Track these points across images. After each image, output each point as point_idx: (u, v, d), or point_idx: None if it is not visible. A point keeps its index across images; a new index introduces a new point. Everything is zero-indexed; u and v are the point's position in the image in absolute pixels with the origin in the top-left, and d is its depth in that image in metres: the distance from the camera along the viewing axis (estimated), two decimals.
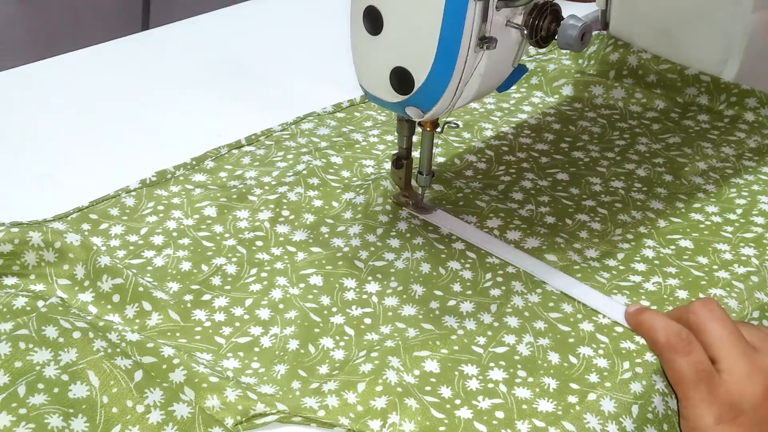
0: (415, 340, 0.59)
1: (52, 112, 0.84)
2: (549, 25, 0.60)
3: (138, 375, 0.53)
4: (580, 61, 0.92)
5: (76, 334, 0.54)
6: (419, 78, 0.59)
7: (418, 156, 0.70)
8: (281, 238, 0.68)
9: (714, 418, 0.51)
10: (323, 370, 0.57)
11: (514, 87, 0.83)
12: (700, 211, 0.73)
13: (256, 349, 0.59)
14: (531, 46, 0.61)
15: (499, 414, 0.54)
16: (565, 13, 0.61)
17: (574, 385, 0.56)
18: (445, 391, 0.55)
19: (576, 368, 0.57)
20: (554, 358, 0.58)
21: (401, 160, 0.69)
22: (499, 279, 0.64)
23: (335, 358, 0.58)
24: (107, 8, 2.11)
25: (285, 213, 0.70)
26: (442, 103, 0.61)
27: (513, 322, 0.60)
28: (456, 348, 0.58)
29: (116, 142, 0.80)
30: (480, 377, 0.56)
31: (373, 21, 0.60)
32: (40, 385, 0.52)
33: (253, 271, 0.65)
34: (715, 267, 0.66)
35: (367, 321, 0.61)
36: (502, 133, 0.82)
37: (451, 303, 0.62)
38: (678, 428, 0.54)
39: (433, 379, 0.56)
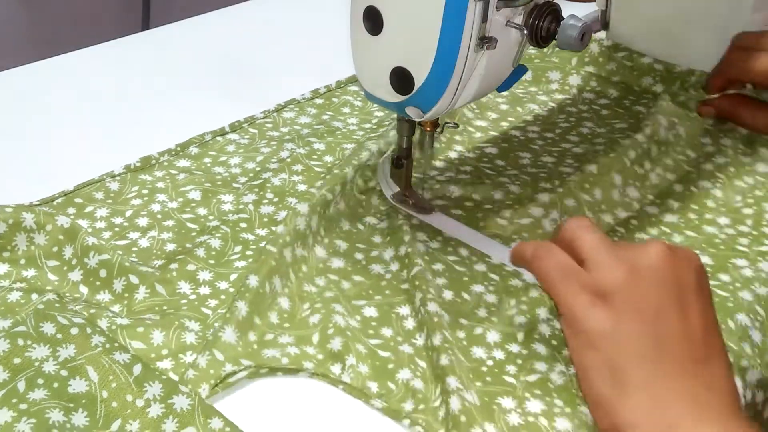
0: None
1: (52, 112, 0.83)
2: (549, 25, 0.60)
3: (137, 369, 0.53)
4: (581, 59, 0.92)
5: (74, 330, 0.55)
6: (419, 78, 0.59)
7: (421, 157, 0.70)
8: (265, 219, 0.68)
9: (586, 303, 0.53)
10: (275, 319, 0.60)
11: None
12: (713, 223, 0.72)
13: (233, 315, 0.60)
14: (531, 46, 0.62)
15: None
16: (565, 13, 0.61)
17: None
18: (387, 332, 0.59)
19: None
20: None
21: (401, 160, 0.69)
22: (524, 307, 0.63)
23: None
24: (107, 8, 2.11)
25: (269, 196, 0.70)
26: (442, 103, 0.61)
27: (541, 349, 0.60)
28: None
29: (116, 141, 0.80)
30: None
31: (373, 21, 0.60)
32: (40, 381, 0.52)
33: (238, 248, 0.66)
34: (738, 285, 0.65)
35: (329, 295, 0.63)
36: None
37: (478, 331, 0.61)
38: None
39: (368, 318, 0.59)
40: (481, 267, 0.66)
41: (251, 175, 0.74)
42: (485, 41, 0.58)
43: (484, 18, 0.58)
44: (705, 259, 0.67)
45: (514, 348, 0.59)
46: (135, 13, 2.09)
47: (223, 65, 0.93)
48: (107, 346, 0.54)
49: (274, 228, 0.67)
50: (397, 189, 0.71)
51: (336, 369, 0.57)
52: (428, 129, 0.67)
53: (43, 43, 1.98)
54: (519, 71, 0.64)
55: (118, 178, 0.73)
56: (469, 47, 0.58)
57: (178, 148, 0.78)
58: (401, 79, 0.60)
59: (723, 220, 0.73)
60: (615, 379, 0.51)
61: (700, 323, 0.52)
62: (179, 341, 0.57)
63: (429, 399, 0.56)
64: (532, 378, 0.57)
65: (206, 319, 0.59)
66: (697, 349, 0.51)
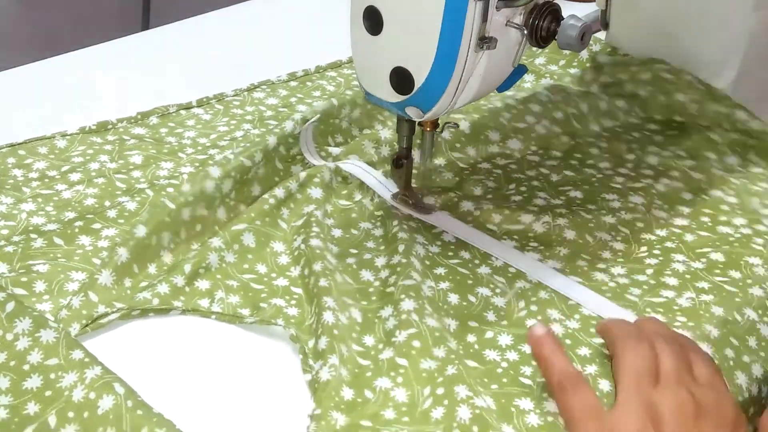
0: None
1: (52, 112, 0.83)
2: (549, 25, 0.60)
3: (9, 306, 0.56)
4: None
5: None
6: (419, 78, 0.59)
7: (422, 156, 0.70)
8: None
9: None
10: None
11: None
12: (728, 224, 0.71)
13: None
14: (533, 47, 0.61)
15: None
16: (565, 13, 0.61)
17: None
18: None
19: None
20: (605, 386, 0.56)
21: (401, 160, 0.69)
22: (534, 308, 0.62)
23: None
24: (107, 8, 2.11)
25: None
26: (442, 103, 0.61)
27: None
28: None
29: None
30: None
31: (373, 21, 0.60)
32: None
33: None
34: (749, 282, 0.65)
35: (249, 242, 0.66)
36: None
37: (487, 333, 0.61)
38: None
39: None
40: (485, 269, 0.65)
41: (199, 148, 0.75)
42: (485, 41, 0.58)
43: (484, 18, 0.57)
44: (717, 256, 0.67)
45: (527, 349, 0.58)
46: (135, 13, 2.09)
47: (223, 65, 0.93)
48: None
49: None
50: (396, 189, 0.71)
51: (204, 303, 0.61)
52: (428, 129, 0.67)
53: (43, 43, 1.98)
54: (519, 71, 0.64)
55: (68, 137, 0.76)
56: (469, 47, 0.58)
57: (139, 116, 0.80)
58: (401, 79, 0.60)
59: (739, 221, 0.71)
60: None
61: None
62: (62, 289, 0.60)
63: (304, 319, 0.60)
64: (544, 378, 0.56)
65: (94, 269, 0.62)
66: None
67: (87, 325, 0.58)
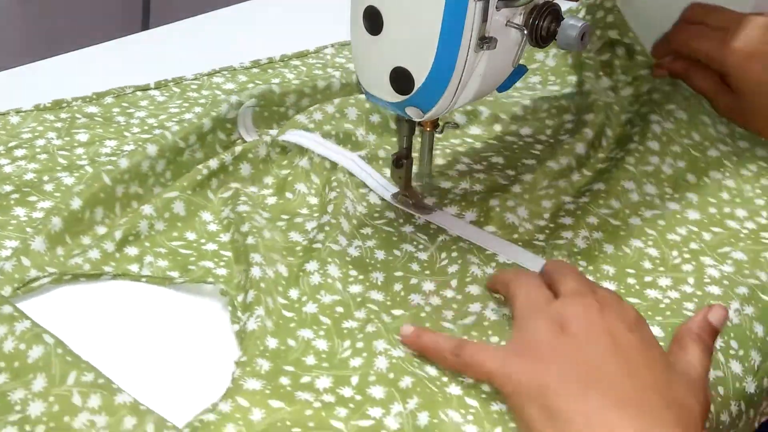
0: None
1: None
2: (549, 25, 0.60)
3: None
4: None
5: None
6: (419, 78, 0.59)
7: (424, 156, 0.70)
8: None
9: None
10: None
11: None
12: (733, 217, 0.73)
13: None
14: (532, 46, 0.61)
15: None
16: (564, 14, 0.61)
17: None
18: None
19: None
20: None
21: (401, 160, 0.69)
22: (455, 254, 0.65)
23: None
24: (107, 8, 2.11)
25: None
26: (442, 103, 0.61)
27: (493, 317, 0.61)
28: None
29: None
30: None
31: (372, 21, 0.60)
32: None
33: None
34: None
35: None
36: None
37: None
38: None
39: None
40: (408, 228, 0.68)
41: (145, 128, 0.76)
42: (485, 41, 0.58)
43: (484, 18, 0.58)
44: (738, 255, 0.68)
45: (449, 293, 0.63)
46: (135, 13, 2.09)
47: (222, 65, 0.93)
48: None
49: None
50: (397, 189, 0.71)
51: (134, 268, 0.62)
52: (428, 129, 0.67)
53: (43, 43, 1.98)
54: (519, 71, 0.64)
55: (23, 113, 0.77)
56: (469, 47, 0.58)
57: (94, 96, 0.80)
58: (401, 79, 0.60)
59: (741, 213, 0.73)
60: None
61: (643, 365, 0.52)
62: None
63: (233, 277, 0.62)
64: (468, 320, 0.60)
65: (26, 236, 0.62)
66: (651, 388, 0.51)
67: (18, 289, 0.59)
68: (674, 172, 0.76)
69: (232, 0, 1.07)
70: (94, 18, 2.05)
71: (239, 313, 0.59)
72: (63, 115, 0.77)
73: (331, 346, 0.58)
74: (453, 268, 0.64)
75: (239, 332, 0.58)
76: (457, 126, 0.71)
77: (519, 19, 0.60)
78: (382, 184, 0.72)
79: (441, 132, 0.67)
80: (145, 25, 2.06)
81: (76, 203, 0.64)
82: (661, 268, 0.67)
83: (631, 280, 0.65)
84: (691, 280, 0.65)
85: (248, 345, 0.56)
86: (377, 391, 0.54)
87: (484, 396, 0.55)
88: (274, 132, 0.76)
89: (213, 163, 0.70)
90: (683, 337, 0.56)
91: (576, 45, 0.60)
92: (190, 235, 0.66)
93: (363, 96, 0.78)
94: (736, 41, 0.75)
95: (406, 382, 0.55)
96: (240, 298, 0.60)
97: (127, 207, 0.67)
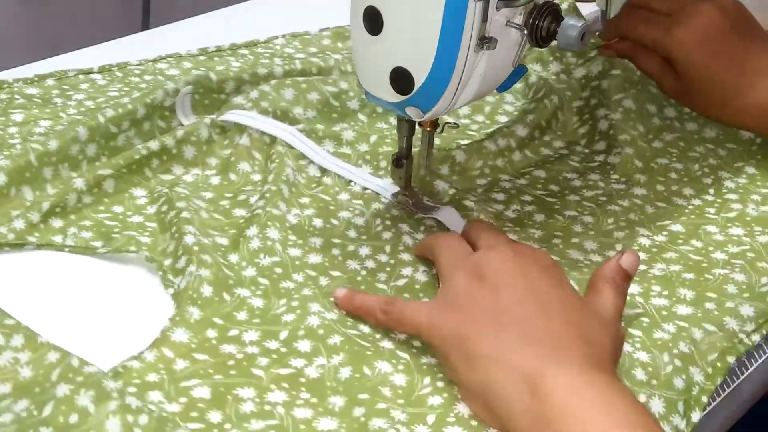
0: None
1: None
2: (549, 25, 0.60)
3: None
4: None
5: None
6: (419, 78, 0.59)
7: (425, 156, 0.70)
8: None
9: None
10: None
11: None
12: (680, 195, 0.75)
13: None
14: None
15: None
16: (564, 14, 0.61)
17: None
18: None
19: None
20: None
21: (401, 160, 0.69)
22: (388, 222, 0.68)
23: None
24: (107, 8, 2.11)
25: (81, 130, 0.71)
26: (442, 103, 0.61)
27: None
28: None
29: None
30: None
31: (373, 21, 0.60)
32: None
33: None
34: (711, 248, 0.68)
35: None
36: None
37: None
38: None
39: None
40: (345, 196, 0.71)
41: (82, 110, 0.76)
42: (485, 41, 0.58)
43: (484, 18, 0.58)
44: (676, 227, 0.70)
45: (384, 257, 0.65)
46: (135, 13, 2.09)
47: None
48: None
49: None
50: (397, 189, 0.71)
51: (58, 239, 0.63)
52: (428, 129, 0.67)
53: (43, 43, 1.98)
54: (519, 71, 0.64)
55: None
56: (469, 47, 0.58)
57: (36, 78, 0.80)
58: (401, 79, 0.60)
59: (688, 191, 0.75)
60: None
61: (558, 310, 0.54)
62: None
63: (157, 245, 0.63)
64: (401, 282, 0.63)
65: None
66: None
67: None
68: (622, 159, 0.78)
69: (232, 0, 1.07)
70: (94, 18, 2.05)
71: (170, 276, 0.60)
72: (2, 96, 0.77)
73: (266, 303, 0.59)
74: (387, 235, 0.67)
75: (174, 294, 0.59)
76: (457, 126, 0.71)
77: (519, 19, 0.60)
78: (320, 154, 0.74)
79: (441, 132, 0.67)
80: (145, 25, 2.06)
81: (1, 179, 0.65)
82: (592, 232, 0.69)
83: (556, 241, 0.68)
84: (618, 246, 0.67)
85: (182, 296, 0.58)
86: (304, 345, 0.56)
87: (415, 350, 0.57)
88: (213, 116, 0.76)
89: (153, 145, 0.71)
90: (597, 281, 0.57)
91: (576, 45, 0.60)
92: (117, 209, 0.67)
93: (301, 78, 0.80)
94: (680, 30, 0.76)
95: (335, 339, 0.57)
96: (168, 262, 0.61)
97: (57, 187, 0.67)
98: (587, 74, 0.85)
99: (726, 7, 0.77)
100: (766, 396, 0.65)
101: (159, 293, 0.61)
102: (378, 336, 0.58)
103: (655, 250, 0.68)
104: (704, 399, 0.57)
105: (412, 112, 0.62)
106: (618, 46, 0.82)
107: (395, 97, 0.62)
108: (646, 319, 0.61)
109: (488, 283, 0.55)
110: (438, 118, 0.66)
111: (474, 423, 0.52)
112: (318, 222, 0.68)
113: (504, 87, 0.64)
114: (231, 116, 0.75)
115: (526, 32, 0.60)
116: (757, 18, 0.84)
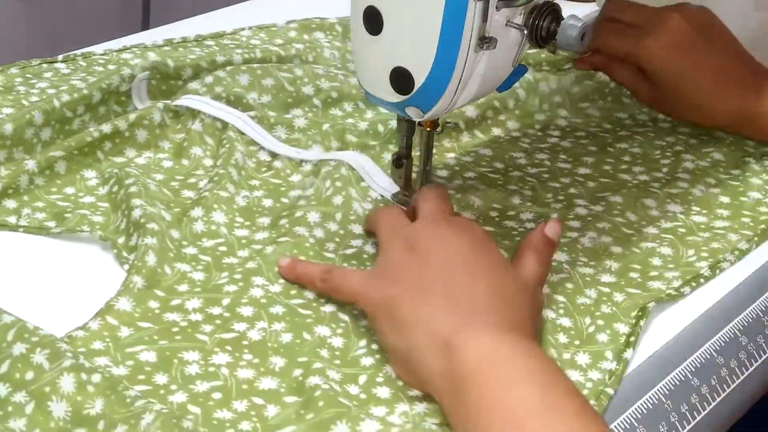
0: None
1: None
2: (549, 25, 0.60)
3: None
4: None
5: None
6: (419, 78, 0.59)
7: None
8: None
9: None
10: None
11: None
12: (628, 172, 0.76)
13: None
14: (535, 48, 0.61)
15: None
16: (565, 14, 0.61)
17: None
18: None
19: None
20: None
21: (401, 160, 0.69)
22: (339, 184, 0.69)
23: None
24: (107, 8, 2.11)
25: (37, 116, 0.71)
26: (442, 103, 0.61)
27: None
28: None
29: None
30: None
31: (372, 21, 0.60)
32: None
33: None
34: (644, 223, 0.69)
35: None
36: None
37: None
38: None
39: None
40: (296, 177, 0.71)
41: (44, 97, 0.76)
42: (485, 41, 0.58)
43: (484, 18, 0.58)
44: (615, 198, 0.71)
45: (333, 226, 0.65)
46: (135, 13, 2.09)
47: None
48: None
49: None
50: (398, 188, 0.71)
51: (12, 220, 0.64)
52: (428, 129, 0.67)
53: (44, 43, 1.98)
54: (519, 71, 0.64)
55: None
56: (469, 47, 0.58)
57: (1, 67, 0.81)
58: (401, 79, 0.60)
59: (638, 168, 0.76)
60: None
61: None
62: None
63: (110, 223, 0.64)
64: (349, 251, 0.64)
65: None
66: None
67: None
68: (573, 146, 0.79)
69: (232, 0, 1.07)
70: (94, 18, 2.05)
71: (125, 253, 0.61)
72: None
73: (207, 277, 0.60)
74: (338, 200, 0.67)
75: (130, 268, 0.59)
76: (457, 126, 0.71)
77: (519, 19, 0.60)
78: (269, 140, 0.74)
79: (441, 132, 0.67)
80: (145, 25, 2.06)
81: None
82: (529, 204, 0.70)
83: (493, 213, 0.69)
84: (554, 215, 0.69)
85: (131, 267, 0.59)
86: (246, 311, 0.57)
87: (355, 312, 0.58)
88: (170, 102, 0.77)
89: (105, 128, 0.71)
90: (522, 249, 0.59)
91: (576, 45, 0.60)
92: (69, 190, 0.68)
93: (258, 65, 0.80)
94: (650, 40, 0.78)
95: (277, 309, 0.58)
96: (121, 240, 0.62)
97: (13, 169, 0.67)
98: (558, 87, 0.86)
99: (692, 14, 0.78)
100: (766, 396, 0.65)
101: (115, 270, 0.61)
102: (322, 300, 0.59)
103: (590, 219, 0.69)
104: (633, 339, 0.58)
105: (412, 112, 0.62)
106: (592, 59, 0.83)
107: (395, 97, 0.62)
108: (570, 285, 0.62)
109: (419, 253, 0.57)
110: (438, 118, 0.66)
111: (400, 384, 0.54)
112: (268, 202, 0.68)
113: (504, 87, 0.64)
114: (184, 101, 0.75)
115: (526, 32, 0.60)
116: (757, 18, 0.85)
